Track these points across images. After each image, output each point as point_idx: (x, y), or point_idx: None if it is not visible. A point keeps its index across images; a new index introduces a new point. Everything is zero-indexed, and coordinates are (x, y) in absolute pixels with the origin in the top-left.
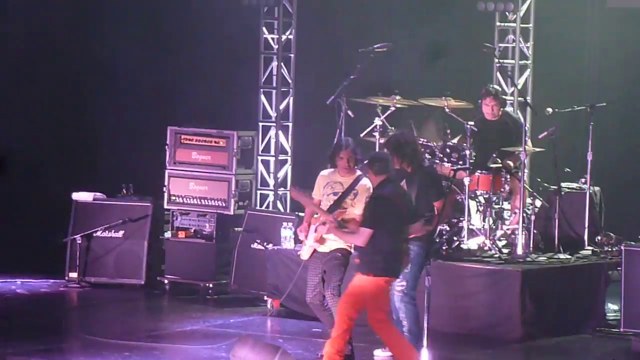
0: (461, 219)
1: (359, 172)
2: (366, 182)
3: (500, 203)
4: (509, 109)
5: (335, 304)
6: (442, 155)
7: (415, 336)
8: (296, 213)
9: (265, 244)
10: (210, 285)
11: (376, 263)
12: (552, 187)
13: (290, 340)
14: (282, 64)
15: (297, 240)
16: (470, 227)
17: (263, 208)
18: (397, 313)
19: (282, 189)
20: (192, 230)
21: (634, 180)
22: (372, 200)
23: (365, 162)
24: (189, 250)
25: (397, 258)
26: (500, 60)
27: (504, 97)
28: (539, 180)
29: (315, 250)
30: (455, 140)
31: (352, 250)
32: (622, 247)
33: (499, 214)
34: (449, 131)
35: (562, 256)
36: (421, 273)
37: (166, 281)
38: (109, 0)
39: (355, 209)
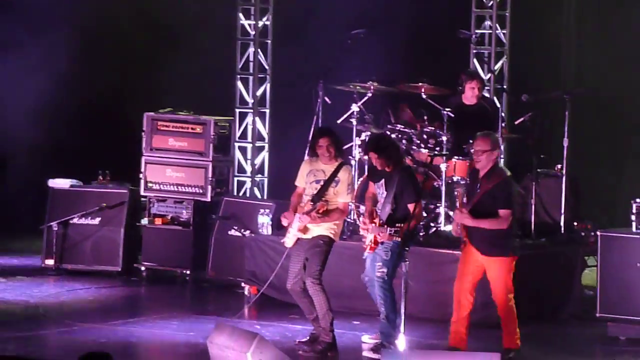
0: (438, 204)
1: (340, 160)
2: (347, 171)
3: None
4: (485, 93)
5: (316, 291)
6: (419, 142)
7: (392, 322)
8: (273, 200)
9: (242, 230)
10: (188, 272)
11: (513, 243)
12: (528, 173)
13: (268, 327)
14: (259, 50)
15: (277, 227)
16: (448, 212)
17: (240, 195)
18: (375, 299)
19: (259, 175)
20: (169, 217)
21: (610, 167)
22: (507, 181)
23: (487, 146)
24: (166, 237)
25: None
26: (477, 47)
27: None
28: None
29: (298, 238)
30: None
31: (334, 237)
32: (598, 233)
33: None
34: (425, 117)
35: (538, 242)
36: (400, 262)
37: (143, 268)
38: None
39: (339, 198)
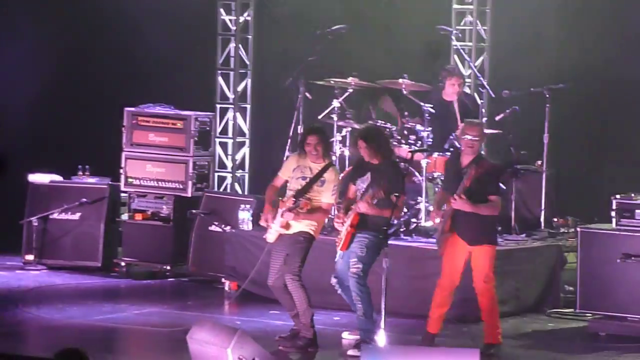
0: (419, 200)
1: (328, 160)
2: (334, 172)
3: None
4: (466, 89)
5: (296, 287)
6: (399, 137)
7: (370, 318)
8: (254, 195)
9: (223, 226)
10: (168, 268)
11: (496, 232)
12: (508, 168)
13: (249, 323)
14: (239, 45)
15: (257, 222)
16: (428, 208)
17: (221, 190)
18: (347, 291)
19: (240, 171)
20: (150, 213)
21: (590, 163)
22: (496, 169)
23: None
24: (146, 233)
25: None
26: (458, 43)
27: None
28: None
29: (280, 234)
30: (415, 122)
31: (315, 234)
32: (578, 229)
33: None
34: (406, 113)
35: (518, 238)
36: (376, 258)
37: (123, 263)
38: None
39: (322, 197)
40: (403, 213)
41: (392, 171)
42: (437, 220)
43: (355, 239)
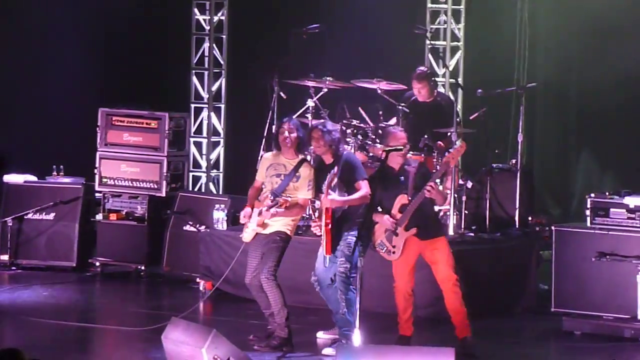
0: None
1: (302, 156)
2: (309, 167)
3: None
4: (440, 89)
5: (270, 287)
6: (374, 137)
7: (350, 317)
8: (229, 195)
9: (197, 225)
10: (143, 268)
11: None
12: (483, 168)
13: (223, 322)
14: (214, 45)
15: (237, 221)
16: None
17: (195, 190)
18: (326, 292)
19: (214, 170)
20: (124, 212)
21: (564, 161)
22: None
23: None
24: (121, 233)
25: None
26: (432, 42)
27: (434, 79)
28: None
29: (257, 233)
30: (390, 122)
31: (291, 234)
32: (553, 228)
33: None
34: (380, 112)
35: (493, 237)
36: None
37: (98, 263)
38: None
39: (298, 193)
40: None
41: (347, 160)
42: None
43: (343, 237)
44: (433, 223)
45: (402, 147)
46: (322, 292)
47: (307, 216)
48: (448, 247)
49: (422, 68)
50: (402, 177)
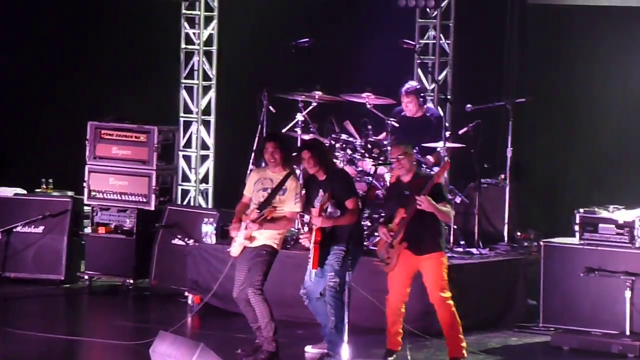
0: (382, 214)
1: (288, 170)
2: (294, 180)
3: None
4: (429, 104)
5: (257, 301)
6: (363, 151)
7: (340, 331)
8: (218, 209)
9: (186, 239)
10: (131, 281)
11: (444, 241)
12: (471, 182)
13: (211, 336)
14: (203, 59)
15: (225, 235)
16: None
17: (184, 203)
18: (315, 305)
19: (203, 184)
20: (113, 226)
21: (553, 176)
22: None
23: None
24: (109, 246)
25: None
26: (421, 57)
27: (423, 94)
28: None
29: (245, 247)
30: (379, 137)
31: (278, 248)
32: (541, 243)
33: None
34: (370, 127)
35: (481, 251)
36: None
37: (86, 277)
38: None
39: (285, 206)
40: (365, 224)
41: (339, 177)
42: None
43: (332, 251)
44: (429, 238)
45: (390, 162)
46: (310, 306)
47: (296, 230)
48: (440, 265)
49: (411, 83)
50: (408, 191)
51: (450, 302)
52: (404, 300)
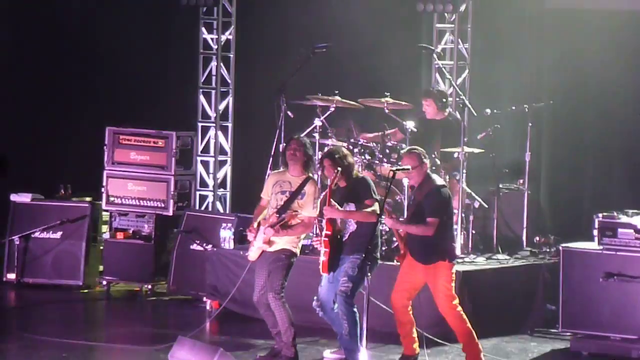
0: (400, 219)
1: (307, 173)
2: (314, 185)
3: None
4: (450, 109)
5: (278, 306)
6: (381, 156)
7: (354, 338)
8: (236, 214)
9: (204, 244)
10: (149, 287)
11: (449, 249)
12: (490, 187)
13: (229, 341)
14: (221, 64)
15: (243, 240)
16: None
17: (202, 209)
18: (330, 315)
19: (221, 189)
20: (131, 231)
21: (572, 181)
22: (436, 191)
23: (407, 161)
24: (128, 251)
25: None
26: (439, 61)
27: (445, 98)
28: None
29: (263, 251)
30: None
31: (296, 251)
32: (561, 248)
33: None
34: (387, 132)
35: (500, 256)
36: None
37: (104, 282)
38: None
39: (304, 211)
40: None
41: (360, 183)
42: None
43: (348, 259)
44: (431, 248)
45: (408, 167)
46: (326, 317)
47: (313, 235)
48: (443, 275)
49: (433, 86)
50: (413, 196)
51: (459, 310)
52: (404, 304)
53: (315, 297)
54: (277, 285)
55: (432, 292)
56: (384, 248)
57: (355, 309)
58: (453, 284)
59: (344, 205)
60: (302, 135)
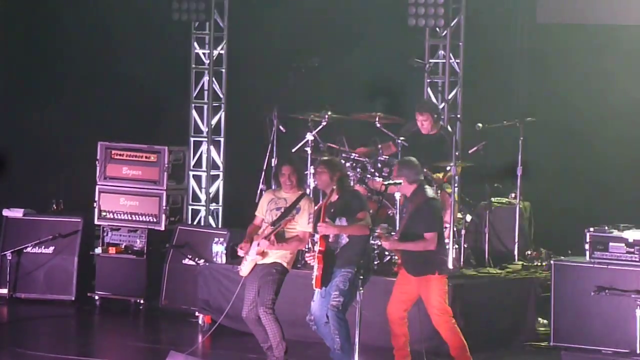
0: (392, 233)
1: (302, 190)
2: (309, 201)
3: None
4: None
5: (269, 320)
6: (373, 170)
7: (346, 352)
8: (228, 228)
9: (196, 259)
10: (141, 301)
11: (441, 262)
12: (482, 201)
13: (222, 356)
14: (213, 78)
15: (235, 255)
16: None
17: (194, 223)
18: (323, 330)
19: (213, 204)
20: (123, 246)
21: (563, 195)
22: (426, 204)
23: (398, 172)
24: (120, 266)
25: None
26: (431, 76)
27: (437, 112)
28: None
29: (255, 265)
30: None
31: (288, 267)
32: (552, 262)
33: None
34: (380, 146)
35: (492, 270)
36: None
37: (97, 297)
38: (37, 13)
39: (298, 225)
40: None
41: (351, 195)
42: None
43: (339, 273)
44: (423, 260)
45: (400, 182)
46: (319, 331)
47: (307, 250)
48: (435, 288)
49: (426, 100)
50: (405, 208)
51: (452, 323)
52: (399, 315)
53: (308, 311)
54: (268, 300)
55: (425, 305)
56: (376, 262)
57: (347, 323)
58: (447, 297)
59: (336, 219)
60: (294, 150)
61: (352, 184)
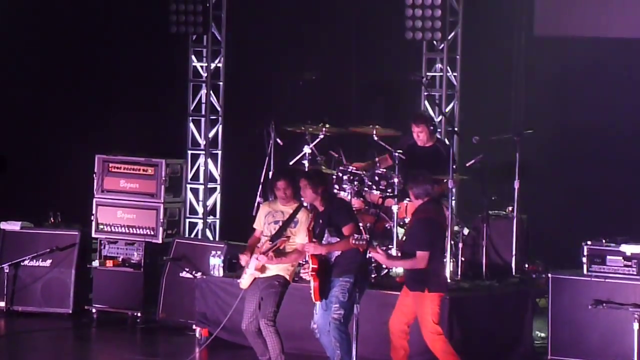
0: (390, 246)
1: (298, 202)
2: (306, 213)
3: None
4: (437, 135)
5: (270, 333)
6: (370, 183)
7: None
8: (225, 241)
9: (194, 272)
10: (139, 314)
11: (435, 280)
12: (479, 214)
13: None
14: (211, 91)
15: (233, 268)
16: (399, 254)
17: (192, 236)
18: (325, 339)
19: (211, 217)
20: (120, 259)
21: (561, 208)
22: (421, 221)
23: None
24: (117, 279)
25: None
26: (428, 89)
27: (433, 123)
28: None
29: (255, 278)
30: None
31: (289, 279)
32: (549, 275)
33: None
34: (377, 159)
35: (489, 283)
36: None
37: (94, 310)
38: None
39: (297, 238)
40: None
41: (336, 206)
42: None
43: (337, 283)
44: (416, 275)
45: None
46: (321, 340)
47: (305, 262)
48: (430, 306)
49: (421, 112)
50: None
51: (442, 341)
52: (401, 329)
53: (312, 319)
54: (270, 312)
55: (419, 322)
56: (373, 275)
57: (349, 336)
58: (438, 316)
59: (325, 232)
60: (291, 163)
61: (349, 197)
